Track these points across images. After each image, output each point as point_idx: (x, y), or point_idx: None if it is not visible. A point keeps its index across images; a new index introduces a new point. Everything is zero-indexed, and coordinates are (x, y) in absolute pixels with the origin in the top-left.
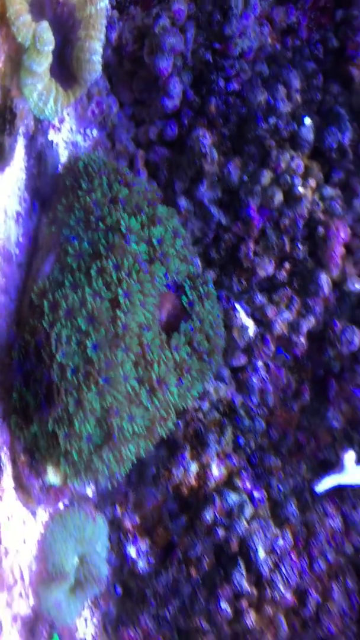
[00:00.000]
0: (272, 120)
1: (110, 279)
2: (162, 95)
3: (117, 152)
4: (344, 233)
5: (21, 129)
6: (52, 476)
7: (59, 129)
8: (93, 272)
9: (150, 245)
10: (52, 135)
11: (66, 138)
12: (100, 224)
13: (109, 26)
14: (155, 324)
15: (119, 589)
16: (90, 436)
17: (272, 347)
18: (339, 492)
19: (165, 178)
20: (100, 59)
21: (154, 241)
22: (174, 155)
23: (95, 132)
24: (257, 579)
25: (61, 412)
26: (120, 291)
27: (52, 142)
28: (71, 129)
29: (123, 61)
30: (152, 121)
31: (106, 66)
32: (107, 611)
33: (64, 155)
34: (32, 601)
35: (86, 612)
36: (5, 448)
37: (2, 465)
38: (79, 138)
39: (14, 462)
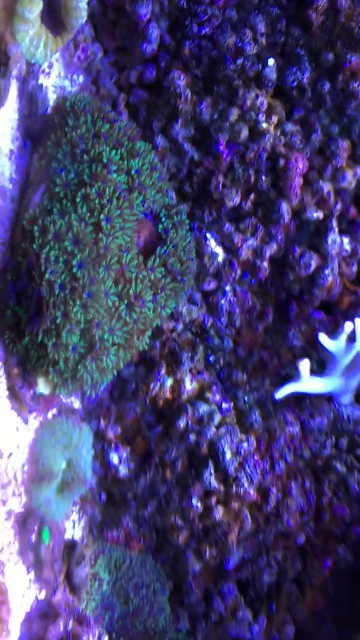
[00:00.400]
0: (240, 61)
1: (93, 205)
2: (142, 41)
3: (101, 95)
4: (302, 165)
5: (14, 72)
6: (42, 386)
7: (48, 74)
8: (78, 200)
9: (129, 176)
10: (42, 80)
11: (55, 83)
12: (85, 156)
13: None
14: (134, 246)
15: (104, 496)
16: (76, 346)
17: (239, 272)
18: (299, 403)
19: (144, 118)
20: (85, 6)
21: (133, 172)
22: (152, 97)
23: (81, 78)
24: (225, 477)
25: (50, 324)
26: (102, 216)
27: (42, 85)
28: (59, 74)
29: (107, 11)
30: (133, 66)
31: (91, 16)
32: (93, 515)
33: (52, 99)
34: (24, 499)
35: (74, 516)
36: (1, 363)
37: None
38: (67, 83)
39: (8, 374)
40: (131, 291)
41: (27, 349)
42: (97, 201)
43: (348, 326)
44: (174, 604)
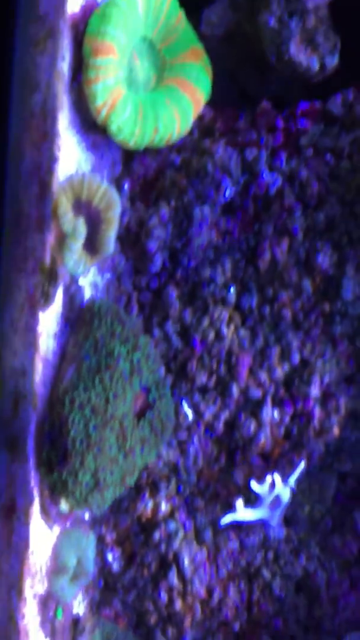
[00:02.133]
0: (212, 287)
1: (106, 386)
2: (150, 263)
3: (121, 291)
4: (247, 360)
5: (61, 283)
6: (64, 506)
7: (86, 276)
8: (96, 381)
9: (132, 364)
10: (81, 281)
11: (90, 280)
12: (103, 350)
13: (123, 213)
14: (131, 412)
15: (101, 583)
16: (87, 483)
17: (202, 429)
18: (239, 525)
19: (148, 313)
20: (113, 244)
21: (135, 362)
22: (154, 300)
23: (108, 275)
24: (183, 578)
25: (71, 467)
26: (111, 393)
27: (80, 286)
28: (94, 274)
29: (130, 234)
30: (144, 274)
31: (119, 237)
32: (93, 597)
33: (87, 293)
34: (45, 585)
35: (79, 597)
36: (37, 486)
37: (33, 496)
38: (99, 279)
39: (41, 495)
40: (127, 445)
41: (55, 481)
42: (108, 383)
43: (269, 477)
44: None
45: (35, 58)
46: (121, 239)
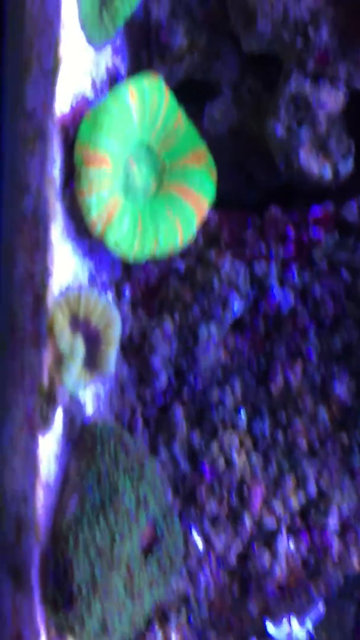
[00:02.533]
0: (220, 410)
1: (111, 525)
2: (154, 379)
3: (125, 402)
4: (260, 491)
5: (60, 404)
6: None
7: (87, 387)
8: (101, 519)
9: (138, 498)
10: (82, 393)
11: (92, 391)
12: (107, 483)
13: (124, 320)
14: (137, 549)
15: None
16: (95, 629)
17: (213, 559)
18: None
19: (153, 431)
20: (113, 362)
21: (141, 495)
22: (160, 416)
23: (111, 384)
24: None
25: (77, 613)
26: (117, 534)
27: (81, 402)
28: (96, 386)
29: (132, 343)
30: (148, 386)
31: (122, 346)
32: None
33: (89, 405)
34: None
35: None
36: (43, 623)
37: (40, 633)
38: (101, 389)
39: (47, 632)
40: (135, 588)
41: (61, 622)
42: (113, 523)
43: (286, 623)
44: None
45: (25, 158)
46: (123, 346)
